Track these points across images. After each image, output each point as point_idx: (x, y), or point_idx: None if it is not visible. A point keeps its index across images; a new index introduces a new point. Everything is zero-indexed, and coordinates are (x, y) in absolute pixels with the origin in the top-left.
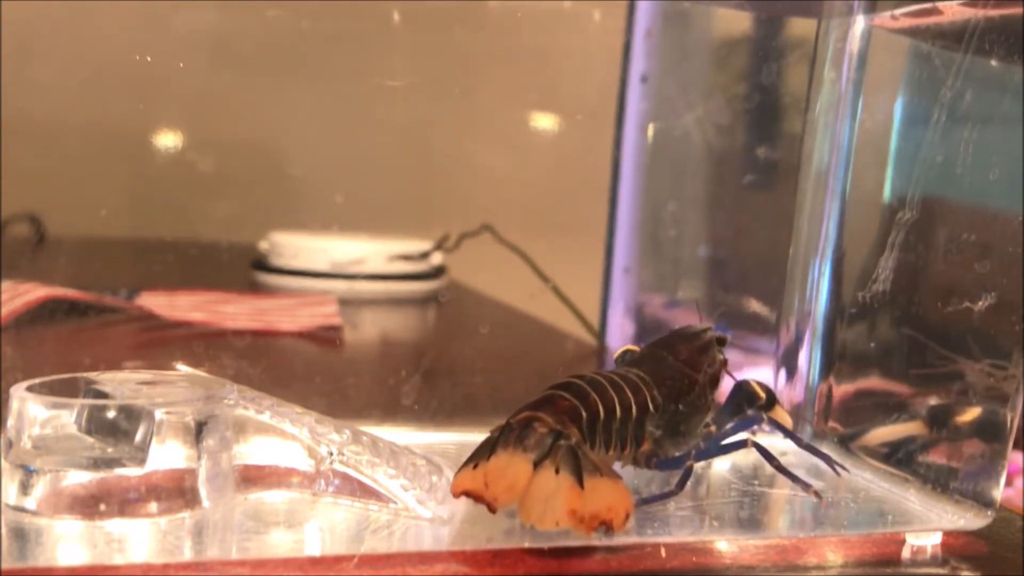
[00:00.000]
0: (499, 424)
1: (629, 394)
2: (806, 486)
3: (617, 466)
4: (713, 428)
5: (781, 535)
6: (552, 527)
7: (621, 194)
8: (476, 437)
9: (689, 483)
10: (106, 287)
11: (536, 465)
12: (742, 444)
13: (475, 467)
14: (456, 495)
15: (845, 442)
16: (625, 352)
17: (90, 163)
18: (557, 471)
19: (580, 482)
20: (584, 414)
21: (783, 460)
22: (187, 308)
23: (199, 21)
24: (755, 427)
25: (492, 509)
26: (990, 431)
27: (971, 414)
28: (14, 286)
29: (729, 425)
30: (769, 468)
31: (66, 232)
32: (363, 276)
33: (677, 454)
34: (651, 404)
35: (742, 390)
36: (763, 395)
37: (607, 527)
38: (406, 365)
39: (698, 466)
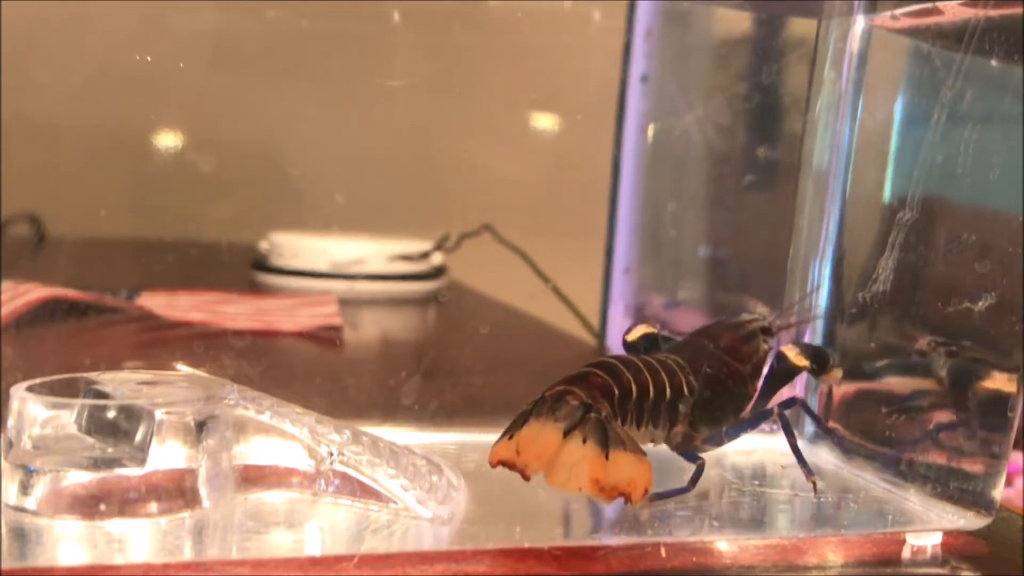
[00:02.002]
0: (534, 399)
1: (664, 376)
2: (809, 473)
3: (649, 446)
4: (747, 415)
5: (781, 535)
6: (575, 492)
7: (621, 194)
8: (476, 437)
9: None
10: (106, 287)
11: (566, 434)
12: (768, 413)
13: (510, 438)
14: (492, 465)
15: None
16: (644, 335)
17: (90, 163)
18: (584, 441)
19: (605, 453)
20: (616, 391)
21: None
22: (187, 308)
23: (199, 21)
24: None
25: (525, 477)
26: (990, 431)
27: (982, 383)
28: (14, 286)
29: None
30: (770, 468)
31: (66, 232)
32: (363, 276)
33: (710, 435)
34: (686, 388)
35: (779, 363)
36: (805, 363)
37: (626, 499)
38: (406, 365)
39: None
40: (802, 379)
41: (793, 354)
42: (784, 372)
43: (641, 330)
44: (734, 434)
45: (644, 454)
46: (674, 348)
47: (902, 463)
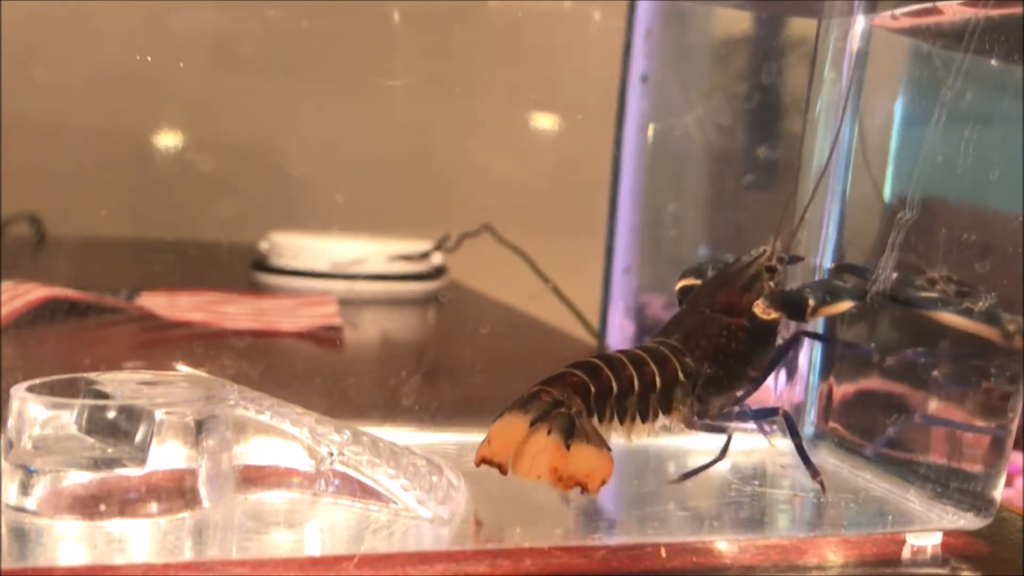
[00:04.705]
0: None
1: (654, 368)
2: (815, 473)
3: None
4: (757, 371)
5: (781, 535)
6: (534, 479)
7: (621, 194)
8: (476, 437)
9: None
10: (106, 287)
11: (532, 425)
12: (774, 412)
13: (486, 435)
14: (476, 465)
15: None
16: (684, 288)
17: (90, 163)
18: (549, 432)
19: (567, 444)
20: (593, 389)
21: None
22: (187, 308)
23: (199, 21)
24: (768, 427)
25: (502, 471)
26: (990, 431)
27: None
28: (14, 286)
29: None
30: (770, 468)
31: (66, 232)
32: (363, 276)
33: (725, 403)
34: (682, 373)
35: (752, 323)
36: (774, 316)
37: (583, 489)
38: (406, 365)
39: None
40: (802, 378)
41: (760, 309)
42: (762, 330)
43: (683, 283)
44: (736, 418)
45: (608, 449)
46: (670, 325)
47: (902, 463)
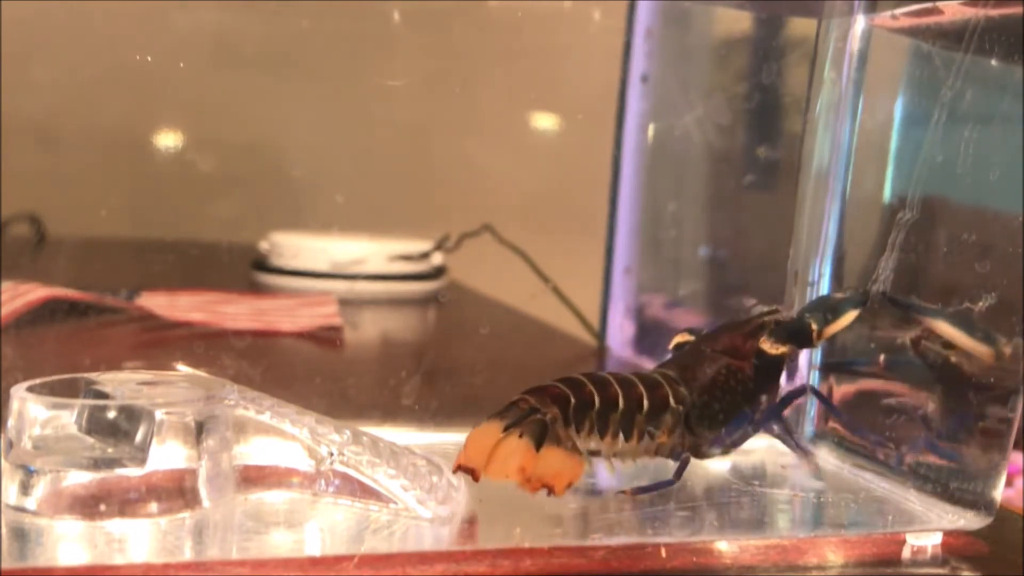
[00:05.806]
0: None
1: (642, 390)
2: (805, 452)
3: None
4: (754, 410)
5: (781, 535)
6: (503, 479)
7: (621, 194)
8: None
9: None
10: (106, 287)
11: (506, 430)
12: (764, 422)
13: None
14: (454, 472)
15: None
16: (679, 345)
17: (90, 163)
18: (521, 436)
19: (538, 447)
20: (573, 400)
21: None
22: (187, 308)
23: (199, 21)
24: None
25: (475, 477)
26: (990, 431)
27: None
28: (14, 286)
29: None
30: (770, 468)
31: (66, 232)
32: (363, 276)
33: (716, 438)
34: (673, 400)
35: (760, 359)
36: (783, 351)
37: (549, 490)
38: (406, 365)
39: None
40: (802, 378)
41: (768, 345)
42: (769, 366)
43: (677, 339)
44: (738, 441)
45: (581, 455)
46: (668, 360)
47: (902, 463)
